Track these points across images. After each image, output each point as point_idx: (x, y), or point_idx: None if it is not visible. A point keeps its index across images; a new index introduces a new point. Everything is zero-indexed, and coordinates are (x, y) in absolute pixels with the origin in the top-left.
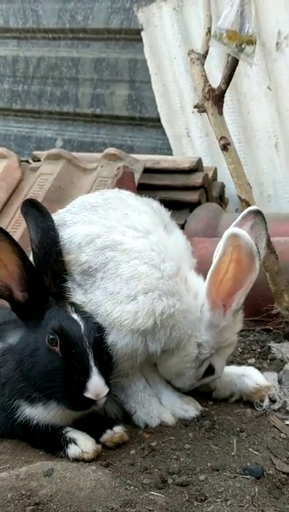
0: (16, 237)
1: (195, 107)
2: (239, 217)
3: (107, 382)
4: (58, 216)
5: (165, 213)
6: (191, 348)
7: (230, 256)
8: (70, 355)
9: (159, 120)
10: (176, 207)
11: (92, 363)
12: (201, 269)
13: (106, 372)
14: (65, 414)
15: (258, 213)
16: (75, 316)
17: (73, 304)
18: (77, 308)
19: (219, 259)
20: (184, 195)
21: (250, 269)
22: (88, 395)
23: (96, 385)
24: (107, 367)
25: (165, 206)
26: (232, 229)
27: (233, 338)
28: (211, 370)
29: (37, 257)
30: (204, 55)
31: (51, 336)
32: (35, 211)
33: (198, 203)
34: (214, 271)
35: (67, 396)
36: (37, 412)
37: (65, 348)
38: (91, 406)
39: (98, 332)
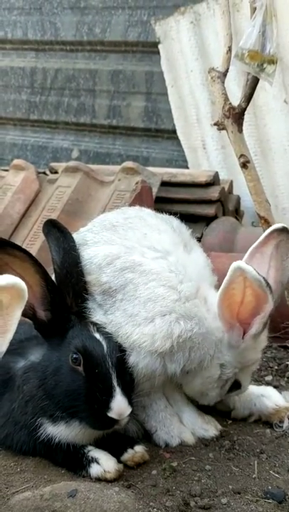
0: (35, 249)
1: (215, 124)
2: (263, 236)
3: (130, 402)
4: (79, 235)
5: (185, 231)
6: (214, 369)
7: (244, 283)
8: (93, 375)
9: (174, 132)
10: (193, 220)
11: (115, 382)
12: (219, 284)
13: (129, 392)
14: (87, 433)
15: (283, 231)
16: (97, 335)
17: (95, 324)
18: (99, 327)
19: (226, 285)
20: (201, 208)
21: (264, 300)
22: (112, 414)
23: (119, 405)
24: (130, 386)
25: (181, 220)
26: (238, 263)
27: (256, 357)
28: (237, 385)
29: (59, 276)
30: (225, 73)
31: (74, 356)
32: (57, 231)
33: (214, 217)
34: (222, 296)
35: (90, 415)
36: (59, 431)
37: (88, 367)
38: (114, 425)
39: (120, 352)
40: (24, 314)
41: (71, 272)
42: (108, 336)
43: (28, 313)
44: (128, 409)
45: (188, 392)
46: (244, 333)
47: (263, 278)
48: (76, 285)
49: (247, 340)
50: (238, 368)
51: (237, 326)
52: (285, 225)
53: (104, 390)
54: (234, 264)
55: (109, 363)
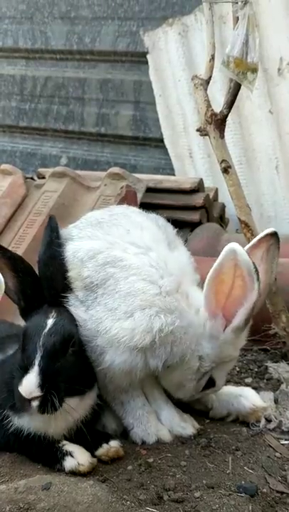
0: (20, 252)
1: (197, 130)
2: (256, 239)
3: (52, 388)
4: (66, 231)
5: (171, 230)
6: (193, 361)
7: (234, 271)
8: (23, 353)
9: (162, 140)
10: (177, 226)
11: (36, 361)
12: (202, 288)
13: (52, 378)
14: (53, 423)
15: (274, 235)
16: (49, 320)
17: (61, 311)
18: (64, 316)
19: (217, 266)
20: (185, 214)
21: (250, 288)
22: (20, 390)
23: (29, 382)
24: (63, 376)
25: None
26: (232, 244)
27: (234, 354)
28: (212, 383)
29: (39, 268)
30: (207, 81)
31: (21, 338)
32: (48, 226)
33: (199, 223)
34: (212, 278)
35: (16, 393)
36: (24, 422)
37: (23, 346)
38: (26, 407)
39: (64, 342)
40: (13, 299)
41: (48, 264)
42: (63, 325)
43: (15, 298)
44: (35, 391)
45: (165, 384)
46: (226, 326)
47: (253, 264)
48: (54, 277)
49: (228, 332)
50: (216, 362)
51: (220, 316)
52: (276, 230)
53: (25, 367)
54: (229, 245)
55: (40, 343)
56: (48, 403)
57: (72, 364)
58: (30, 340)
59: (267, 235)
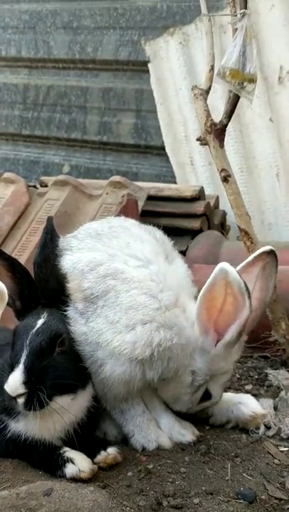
0: (23, 259)
1: (198, 139)
2: (252, 257)
3: (37, 385)
4: (64, 240)
5: (168, 242)
6: (186, 375)
7: (225, 289)
8: (12, 352)
9: (163, 148)
10: (178, 234)
11: (22, 359)
12: None
13: (38, 376)
14: (48, 425)
15: (270, 253)
16: (40, 320)
17: (52, 313)
18: (54, 316)
19: (209, 285)
20: (186, 222)
21: (242, 305)
22: (6, 387)
23: (13, 381)
24: (50, 374)
25: (167, 233)
26: (222, 264)
27: (227, 367)
28: (208, 396)
29: (33, 270)
30: (207, 91)
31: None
32: (44, 228)
33: (200, 231)
34: (204, 295)
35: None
36: (20, 426)
37: (12, 345)
38: (12, 403)
39: (51, 340)
40: (7, 303)
41: (41, 265)
42: (51, 324)
43: (10, 302)
44: (20, 389)
45: (163, 396)
46: (218, 341)
47: (244, 282)
48: (46, 277)
49: (219, 347)
50: (209, 375)
51: (212, 331)
52: (273, 248)
53: (12, 365)
54: (219, 265)
55: (27, 342)
56: (33, 400)
57: (60, 362)
58: (19, 340)
59: (263, 253)
